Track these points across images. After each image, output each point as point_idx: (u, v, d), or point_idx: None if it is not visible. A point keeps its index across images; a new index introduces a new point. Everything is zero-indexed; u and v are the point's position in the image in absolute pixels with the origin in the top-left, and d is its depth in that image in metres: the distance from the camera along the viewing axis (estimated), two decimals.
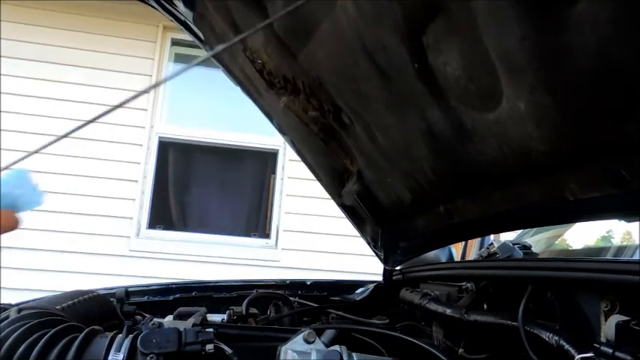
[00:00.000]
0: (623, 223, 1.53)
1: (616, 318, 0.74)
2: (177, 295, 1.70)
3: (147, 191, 4.25)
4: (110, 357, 0.83)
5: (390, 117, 1.10)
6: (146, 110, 4.29)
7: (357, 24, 0.96)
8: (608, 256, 1.46)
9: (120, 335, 0.89)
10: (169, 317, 1.37)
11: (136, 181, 4.19)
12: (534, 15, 0.63)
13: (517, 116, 0.76)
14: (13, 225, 0.47)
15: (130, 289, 1.66)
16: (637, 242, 1.66)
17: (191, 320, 1.09)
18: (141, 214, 4.20)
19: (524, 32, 0.65)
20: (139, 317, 1.41)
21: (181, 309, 1.40)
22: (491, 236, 1.94)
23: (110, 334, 0.90)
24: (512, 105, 0.77)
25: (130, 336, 0.88)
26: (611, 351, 0.70)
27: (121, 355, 0.83)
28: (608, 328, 0.74)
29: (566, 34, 0.61)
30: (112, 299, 1.43)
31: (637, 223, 1.51)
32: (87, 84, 4.17)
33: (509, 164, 0.88)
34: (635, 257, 1.43)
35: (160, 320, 1.11)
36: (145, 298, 1.69)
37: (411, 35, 0.85)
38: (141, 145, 4.25)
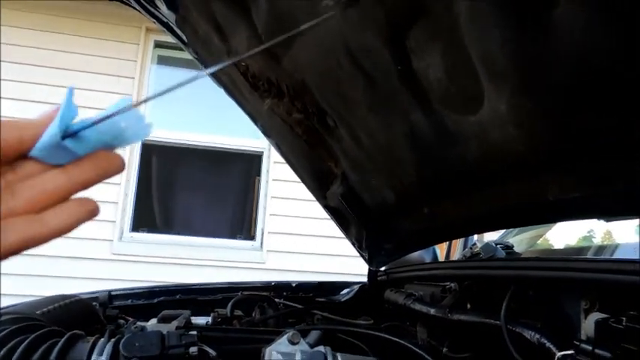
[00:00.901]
0: (602, 222, 1.56)
1: (595, 316, 0.76)
2: (161, 299, 1.68)
3: (130, 194, 4.21)
4: None
5: (374, 120, 1.10)
6: None
7: (340, 27, 0.96)
8: (589, 256, 1.48)
9: (102, 339, 0.88)
10: (153, 320, 1.36)
11: (119, 184, 4.15)
12: (514, 20, 0.64)
13: (498, 119, 0.78)
14: (119, 167, 0.41)
15: (113, 293, 1.64)
16: (616, 241, 1.70)
17: (174, 323, 1.08)
18: (124, 218, 4.15)
19: (505, 37, 0.66)
20: (121, 321, 1.40)
21: (165, 312, 1.39)
22: (475, 237, 1.96)
23: (92, 339, 0.89)
24: (493, 108, 0.78)
25: (113, 340, 0.87)
26: (590, 348, 0.71)
27: (103, 359, 0.82)
28: (588, 325, 0.76)
29: (544, 39, 0.62)
30: (94, 303, 1.42)
31: (616, 222, 1.54)
32: (77, 87, 4.11)
33: (491, 166, 0.89)
34: (615, 256, 1.46)
35: (143, 324, 1.10)
36: (129, 302, 1.67)
37: (394, 38, 0.86)
38: (124, 148, 4.20)
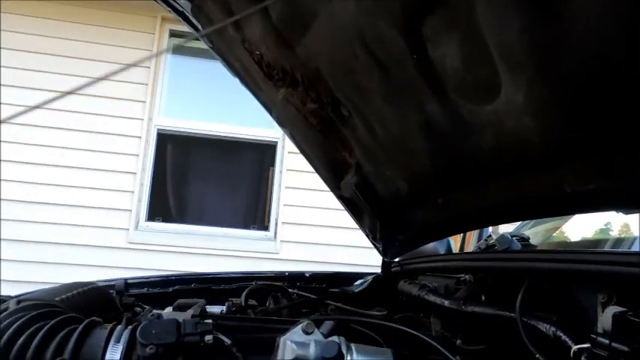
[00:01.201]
0: (620, 215, 1.53)
1: (613, 309, 0.75)
2: (177, 287, 1.70)
3: (145, 184, 4.25)
4: (109, 348, 0.84)
5: (389, 109, 1.09)
6: (144, 102, 4.28)
7: (355, 15, 0.95)
8: (606, 248, 1.46)
9: (119, 326, 0.89)
10: (169, 309, 1.38)
11: (135, 174, 4.19)
12: (533, 7, 0.63)
13: (515, 109, 0.76)
14: None
15: (129, 281, 1.67)
16: (635, 234, 1.67)
17: (190, 312, 1.10)
18: (140, 207, 4.20)
19: (523, 25, 0.65)
20: (138, 309, 1.42)
21: (180, 301, 1.41)
22: (490, 228, 1.94)
23: (109, 326, 0.90)
24: (510, 97, 0.77)
25: (130, 327, 0.88)
26: (607, 342, 0.70)
27: (120, 346, 0.84)
28: (605, 319, 0.75)
29: (563, 28, 0.61)
30: (111, 291, 1.44)
31: (635, 215, 1.51)
32: (85, 76, 4.15)
33: (506, 156, 0.88)
34: (633, 249, 1.44)
35: (159, 312, 1.11)
36: (145, 290, 1.69)
37: (410, 27, 0.85)
38: (139, 137, 4.24)
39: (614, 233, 1.71)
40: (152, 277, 1.75)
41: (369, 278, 1.74)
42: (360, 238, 1.77)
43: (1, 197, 3.87)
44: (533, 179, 0.89)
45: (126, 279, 1.66)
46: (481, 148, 0.93)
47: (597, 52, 0.59)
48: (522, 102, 0.75)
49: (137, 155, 4.22)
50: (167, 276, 1.75)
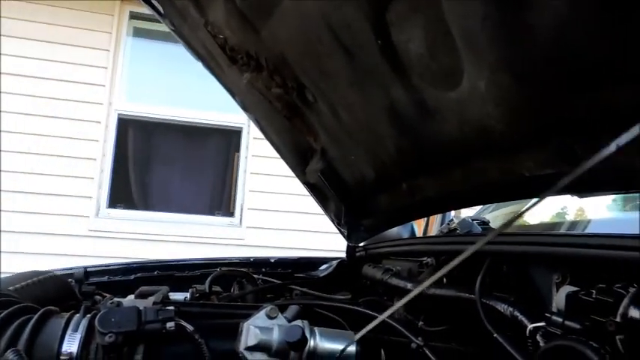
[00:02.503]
0: (576, 198, 1.59)
1: (566, 289, 0.78)
2: (139, 275, 1.67)
3: (106, 170, 4.13)
4: (66, 337, 0.81)
5: (354, 94, 1.09)
6: (104, 86, 4.14)
7: (320, 0, 0.94)
8: (562, 231, 1.52)
9: (77, 315, 0.87)
10: (130, 297, 1.35)
11: (95, 160, 4.07)
12: None
13: (477, 95, 0.78)
14: None
15: (89, 269, 1.63)
16: (589, 217, 1.74)
17: (151, 299, 1.08)
18: (100, 193, 4.09)
19: (486, 12, 0.66)
20: (98, 297, 1.39)
21: (143, 288, 1.38)
22: (452, 212, 1.98)
23: (67, 315, 0.88)
24: (472, 84, 0.78)
25: (88, 315, 0.86)
26: (561, 320, 0.73)
27: (78, 335, 0.82)
28: (559, 298, 0.78)
29: (525, 15, 0.62)
30: (69, 280, 1.40)
31: (589, 198, 1.57)
32: (43, 58, 3.98)
33: (469, 142, 0.90)
34: (586, 231, 1.50)
35: (119, 299, 1.09)
36: (105, 279, 1.65)
37: (375, 12, 0.85)
38: (99, 122, 4.11)
39: (570, 216, 1.78)
40: (113, 264, 1.71)
41: (334, 263, 1.75)
42: (326, 223, 1.78)
43: None
44: (495, 164, 0.91)
45: (85, 267, 1.62)
46: (445, 133, 0.94)
47: (558, 40, 0.61)
48: (485, 89, 0.76)
49: (97, 141, 4.09)
50: (129, 263, 1.72)
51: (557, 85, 0.66)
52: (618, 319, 0.63)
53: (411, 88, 0.92)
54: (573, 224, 1.62)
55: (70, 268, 1.59)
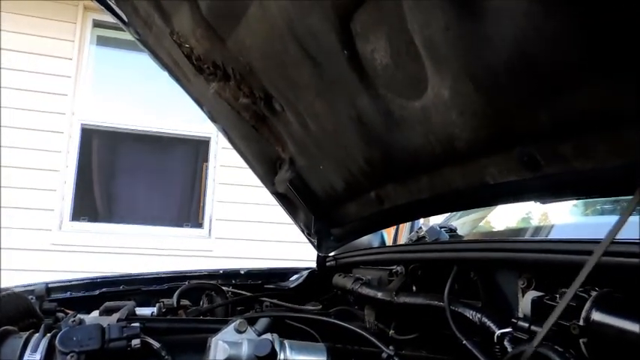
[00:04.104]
0: (539, 204, 1.63)
1: (532, 294, 0.79)
2: (104, 290, 1.62)
3: (69, 181, 4.01)
4: (25, 358, 0.78)
5: (321, 104, 1.10)
6: (66, 95, 4.03)
7: (286, 10, 0.94)
8: (526, 237, 1.55)
9: (36, 335, 0.83)
10: (95, 313, 1.31)
11: (57, 171, 3.95)
12: (456, 5, 0.65)
13: (441, 104, 0.79)
14: None
15: (50, 285, 1.57)
16: (552, 222, 1.79)
17: (116, 315, 1.04)
18: (63, 206, 3.97)
19: (448, 22, 0.67)
20: (60, 315, 1.34)
21: (107, 304, 1.34)
22: (421, 220, 2.00)
23: (25, 334, 0.84)
24: (436, 93, 0.79)
25: (48, 335, 0.82)
26: (527, 325, 0.74)
27: (37, 356, 0.78)
28: (525, 303, 0.79)
29: (485, 25, 0.63)
30: (30, 297, 1.35)
31: (552, 204, 1.62)
32: (3, 67, 3.85)
33: (435, 151, 0.91)
34: (549, 237, 1.54)
35: (82, 316, 1.05)
36: (68, 294, 1.60)
37: (340, 22, 0.85)
38: (62, 132, 4.00)
39: (535, 222, 1.82)
40: (76, 279, 1.66)
41: (305, 273, 1.74)
42: (296, 233, 1.77)
43: None
44: (460, 172, 0.92)
45: (47, 283, 1.56)
46: (411, 142, 0.95)
47: (516, 50, 0.62)
48: (448, 97, 0.77)
49: (59, 152, 3.97)
50: (93, 278, 1.66)
51: (518, 94, 0.68)
52: (581, 322, 0.65)
53: (377, 97, 0.93)
54: (537, 230, 1.66)
55: (31, 285, 1.53)
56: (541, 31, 0.57)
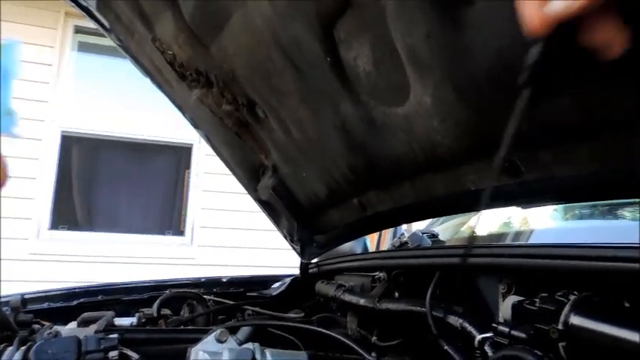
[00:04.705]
0: (520, 210, 1.65)
1: (512, 299, 0.80)
2: (82, 300, 1.58)
3: (48, 189, 3.94)
4: None
5: (304, 111, 1.10)
6: (47, 102, 3.97)
7: (269, 17, 0.95)
8: (507, 241, 1.57)
9: (10, 348, 0.81)
10: (72, 324, 1.28)
11: (35, 179, 3.87)
12: (438, 14, 0.66)
13: (424, 111, 0.79)
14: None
15: (26, 296, 1.53)
16: (532, 227, 1.81)
17: (94, 327, 1.02)
18: (42, 214, 3.89)
19: (429, 30, 0.68)
20: (37, 326, 1.30)
21: (86, 314, 1.31)
22: (404, 226, 2.01)
23: None
24: (419, 100, 0.79)
25: (23, 348, 0.80)
26: (507, 330, 0.75)
27: None
28: (505, 308, 0.80)
29: (466, 34, 0.64)
30: (4, 308, 1.31)
31: (532, 209, 1.64)
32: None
33: (417, 157, 0.91)
34: (529, 241, 1.55)
35: (59, 328, 1.03)
36: (45, 305, 1.56)
37: (324, 30, 0.86)
38: (40, 139, 3.93)
39: (515, 227, 1.85)
40: (54, 290, 1.62)
41: (287, 280, 1.73)
42: (279, 240, 1.76)
43: None
44: (442, 178, 0.93)
45: (23, 294, 1.52)
46: (394, 148, 0.95)
47: (497, 58, 0.63)
48: (431, 104, 0.78)
49: (37, 159, 3.90)
50: (71, 288, 1.63)
51: (499, 101, 0.69)
52: (560, 326, 0.65)
53: (360, 104, 0.93)
54: (517, 234, 1.68)
55: (7, 295, 1.49)
56: (521, 40, 0.58)
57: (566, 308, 0.65)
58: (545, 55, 0.34)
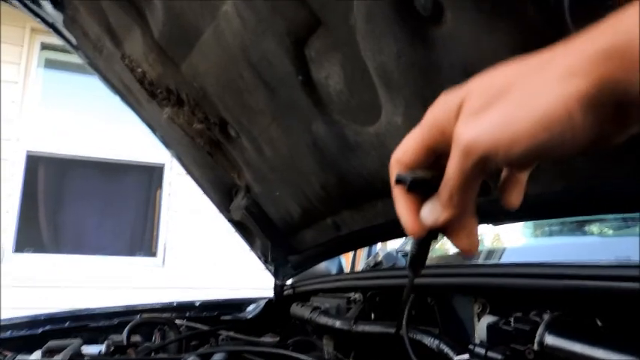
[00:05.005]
0: (491, 226, 1.67)
1: (487, 319, 0.80)
2: (47, 328, 1.51)
3: (12, 211, 3.80)
4: None
5: (276, 130, 1.09)
6: (12, 121, 3.86)
7: (240, 35, 0.94)
8: (480, 260, 1.58)
9: None
10: (37, 354, 1.22)
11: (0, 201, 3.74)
12: (406, 34, 0.66)
13: (395, 130, 0.79)
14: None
15: None
16: (504, 245, 1.83)
17: (59, 356, 0.97)
18: (5, 237, 3.74)
19: (400, 49, 0.68)
20: None
21: (51, 343, 1.26)
22: (378, 245, 2.01)
23: None
24: (390, 119, 0.79)
25: None
26: (484, 351, 0.74)
27: None
28: (481, 329, 0.79)
29: (436, 52, 0.64)
30: None
31: (503, 225, 1.65)
32: None
33: (389, 175, 0.91)
34: (502, 260, 1.57)
35: (24, 358, 0.98)
36: (8, 334, 1.48)
37: (294, 48, 0.86)
38: (6, 159, 3.80)
39: (487, 244, 1.86)
40: (17, 317, 1.54)
41: (262, 303, 1.70)
42: (254, 260, 1.73)
43: None
44: None
45: None
46: (366, 167, 0.95)
47: (465, 76, 0.63)
48: (402, 123, 0.78)
49: (1, 179, 3.77)
50: (35, 316, 1.55)
51: None
52: (536, 346, 0.65)
53: (332, 123, 0.93)
54: (490, 253, 1.69)
55: None
56: (488, 59, 0.59)
57: (541, 328, 0.64)
58: (420, 246, 0.44)
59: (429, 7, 0.58)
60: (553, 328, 0.64)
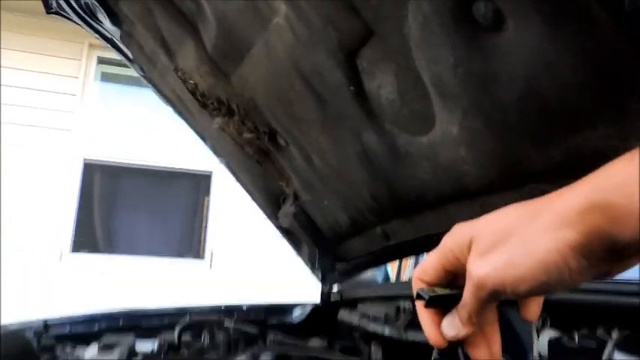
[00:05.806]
0: None
1: (548, 334, 0.77)
2: (103, 325, 1.58)
3: (70, 215, 3.99)
4: None
5: (326, 140, 1.09)
6: (70, 131, 4.06)
7: (291, 47, 0.95)
8: None
9: None
10: (94, 348, 1.28)
11: (59, 205, 3.93)
12: (464, 42, 0.65)
13: (450, 140, 0.78)
14: None
15: (48, 322, 1.53)
16: None
17: (116, 352, 1.01)
18: (63, 238, 3.93)
19: (455, 58, 0.67)
20: (59, 351, 1.30)
21: (107, 339, 1.31)
22: (426, 254, 1.98)
23: None
24: (444, 129, 0.78)
25: None
26: None
27: None
28: (541, 344, 0.77)
29: (494, 61, 0.63)
30: (27, 334, 1.32)
31: None
32: (9, 103, 3.90)
33: (442, 186, 0.90)
34: None
35: (81, 351, 1.02)
36: (67, 331, 1.55)
37: (346, 59, 0.86)
38: (64, 166, 4.00)
39: None
40: (75, 315, 1.62)
41: (308, 308, 1.71)
42: (300, 266, 1.74)
43: None
44: (467, 208, 0.91)
45: (45, 319, 1.52)
46: (418, 178, 0.94)
47: (526, 87, 0.62)
48: (457, 133, 0.76)
49: (61, 186, 3.97)
50: (92, 314, 1.62)
51: (529, 131, 0.67)
52: None
53: (383, 133, 0.92)
54: None
55: (28, 321, 1.49)
56: (552, 69, 0.57)
57: (609, 346, 0.62)
58: (442, 354, 0.49)
59: (490, 15, 0.57)
60: (622, 347, 0.61)
